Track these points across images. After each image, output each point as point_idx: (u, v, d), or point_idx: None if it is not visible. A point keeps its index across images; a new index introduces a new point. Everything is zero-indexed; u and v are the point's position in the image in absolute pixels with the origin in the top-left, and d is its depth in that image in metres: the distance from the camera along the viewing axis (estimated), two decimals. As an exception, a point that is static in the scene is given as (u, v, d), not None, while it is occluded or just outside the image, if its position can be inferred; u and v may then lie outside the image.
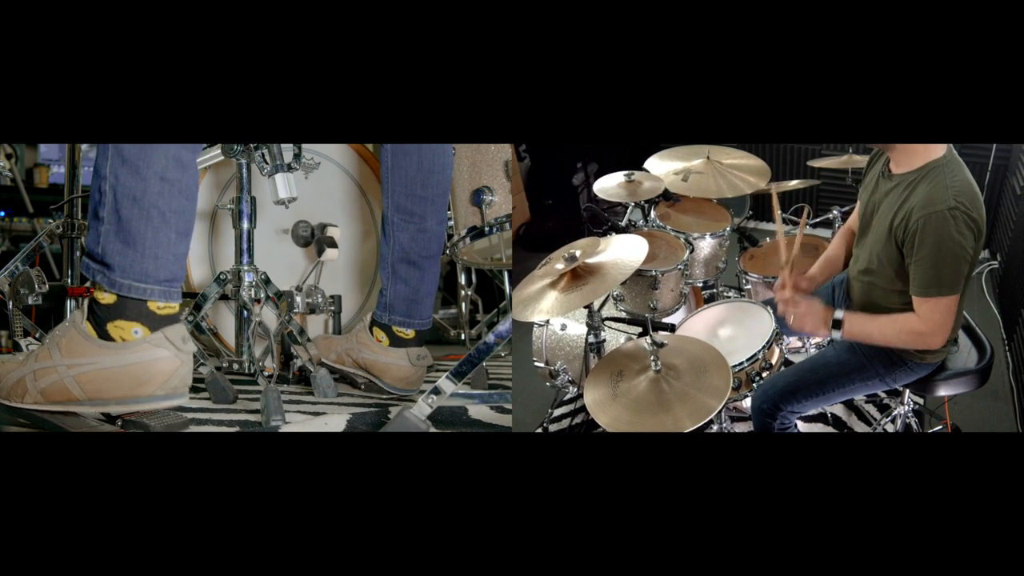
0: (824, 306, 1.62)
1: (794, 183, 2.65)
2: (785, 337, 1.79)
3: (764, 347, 1.74)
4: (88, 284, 1.40)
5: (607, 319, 1.91)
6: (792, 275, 1.67)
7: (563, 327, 2.19)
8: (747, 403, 1.97)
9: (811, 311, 1.62)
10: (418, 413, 1.48)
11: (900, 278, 1.55)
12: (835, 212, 2.48)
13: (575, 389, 2.19)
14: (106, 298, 1.34)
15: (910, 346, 1.58)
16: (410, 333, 1.93)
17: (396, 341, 1.92)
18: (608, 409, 1.53)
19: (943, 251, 1.45)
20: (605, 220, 2.37)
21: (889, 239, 1.55)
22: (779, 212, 1.73)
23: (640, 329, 2.15)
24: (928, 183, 1.50)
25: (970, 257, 1.47)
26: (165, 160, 1.34)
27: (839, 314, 1.59)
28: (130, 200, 1.33)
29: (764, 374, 1.78)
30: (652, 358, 1.55)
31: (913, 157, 1.54)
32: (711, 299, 2.41)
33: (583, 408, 2.34)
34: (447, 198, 1.97)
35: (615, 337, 2.12)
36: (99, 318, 1.34)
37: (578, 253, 1.61)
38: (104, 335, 1.33)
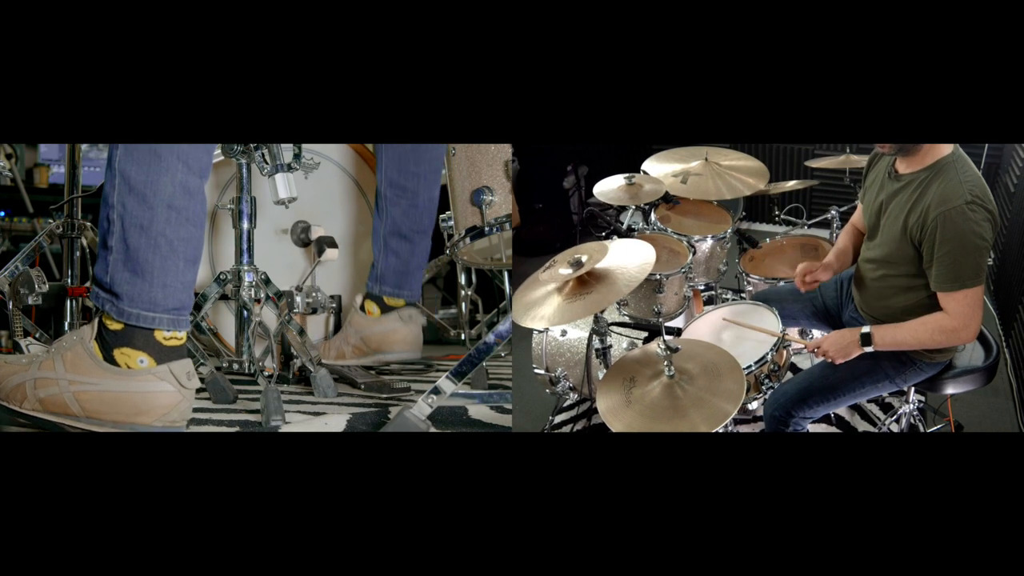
0: (846, 330, 1.65)
1: (792, 184, 2.66)
2: (789, 335, 1.79)
3: (772, 350, 1.74)
4: (88, 283, 1.40)
5: (612, 324, 1.90)
6: (801, 274, 1.82)
7: (563, 333, 2.17)
8: (752, 405, 1.97)
9: (837, 340, 1.64)
10: (418, 413, 1.48)
11: (919, 274, 1.57)
12: (833, 212, 2.48)
13: (575, 396, 2.18)
14: (114, 325, 1.34)
15: (943, 344, 1.59)
16: (400, 302, 2.00)
17: (386, 309, 1.98)
18: (622, 416, 1.51)
19: (964, 244, 1.46)
20: (607, 223, 2.36)
21: (904, 238, 1.56)
22: None
23: (644, 334, 2.14)
24: (941, 180, 1.51)
25: (989, 247, 1.49)
26: (172, 188, 1.34)
27: (865, 329, 1.61)
28: (138, 229, 1.33)
29: (772, 376, 1.77)
30: (666, 363, 1.54)
31: (924, 156, 1.55)
32: (710, 301, 2.41)
33: (584, 415, 2.33)
34: (440, 174, 2.00)
35: (617, 342, 2.11)
36: (106, 342, 1.34)
37: (584, 259, 1.58)
38: (110, 359, 1.33)
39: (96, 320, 1.36)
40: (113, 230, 1.34)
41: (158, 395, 1.33)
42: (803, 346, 1.78)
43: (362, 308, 2.01)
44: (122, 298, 1.34)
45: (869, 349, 1.61)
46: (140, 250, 1.33)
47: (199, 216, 1.40)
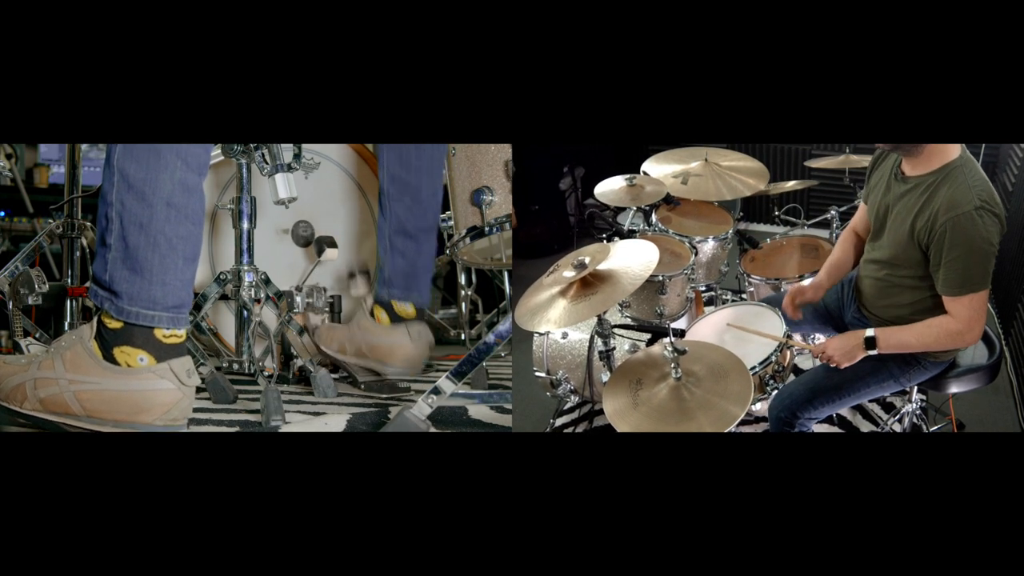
0: (849, 334, 1.64)
1: (791, 184, 2.66)
2: (793, 339, 1.79)
3: (776, 350, 1.73)
4: (88, 283, 1.40)
5: (615, 327, 1.88)
6: (791, 296, 1.83)
7: (564, 335, 2.16)
8: (755, 407, 1.96)
9: (841, 345, 1.64)
10: (418, 413, 1.48)
11: (923, 275, 1.57)
12: (833, 212, 2.48)
13: (577, 398, 2.17)
14: (113, 323, 1.34)
15: (947, 347, 1.59)
16: (410, 310, 1.95)
17: (396, 319, 1.94)
18: (629, 418, 1.50)
19: (973, 250, 1.46)
20: (609, 224, 2.35)
21: (911, 242, 1.55)
22: None
23: (647, 336, 2.13)
24: (949, 185, 1.50)
25: (996, 252, 1.49)
26: (171, 186, 1.34)
27: (870, 332, 1.60)
28: (137, 227, 1.33)
29: (777, 377, 1.77)
30: (672, 365, 1.53)
31: (930, 159, 1.54)
32: (711, 303, 2.40)
33: (584, 417, 2.33)
34: (442, 168, 1.99)
35: (619, 344, 2.10)
36: (106, 341, 1.34)
37: (587, 260, 1.57)
38: (110, 358, 1.33)
39: (95, 319, 1.36)
40: (112, 228, 1.34)
41: (159, 393, 1.33)
42: (807, 349, 1.77)
43: (371, 313, 1.97)
44: (121, 296, 1.33)
45: (874, 352, 1.60)
46: (139, 248, 1.33)
47: (198, 213, 1.40)
